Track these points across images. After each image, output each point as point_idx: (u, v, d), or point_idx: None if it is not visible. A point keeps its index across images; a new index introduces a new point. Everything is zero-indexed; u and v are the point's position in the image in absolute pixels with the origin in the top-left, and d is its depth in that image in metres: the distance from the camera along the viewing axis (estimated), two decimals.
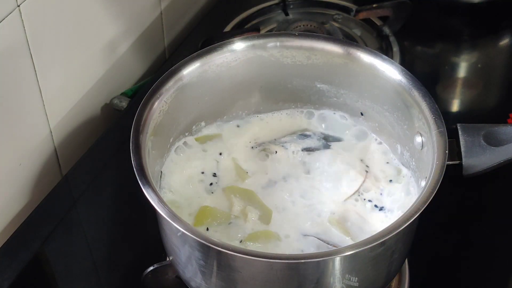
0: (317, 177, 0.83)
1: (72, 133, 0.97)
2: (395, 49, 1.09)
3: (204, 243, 0.68)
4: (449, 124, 0.76)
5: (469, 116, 1.06)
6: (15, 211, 0.91)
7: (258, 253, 0.69)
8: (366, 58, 0.82)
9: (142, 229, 0.89)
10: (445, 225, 0.90)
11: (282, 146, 0.86)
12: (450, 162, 0.73)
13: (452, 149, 0.75)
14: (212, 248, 0.67)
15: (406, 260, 0.84)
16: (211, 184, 0.83)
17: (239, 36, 0.88)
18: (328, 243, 0.77)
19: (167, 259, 0.80)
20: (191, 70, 0.82)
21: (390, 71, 0.81)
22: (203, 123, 0.87)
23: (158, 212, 0.69)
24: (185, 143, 0.86)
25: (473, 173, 0.75)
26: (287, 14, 1.16)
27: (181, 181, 0.83)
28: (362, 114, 0.87)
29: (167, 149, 0.84)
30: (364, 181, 0.82)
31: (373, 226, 0.78)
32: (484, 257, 0.88)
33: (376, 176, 0.83)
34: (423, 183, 0.76)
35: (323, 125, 0.88)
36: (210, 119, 0.88)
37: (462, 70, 1.15)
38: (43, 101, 0.90)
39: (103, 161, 0.97)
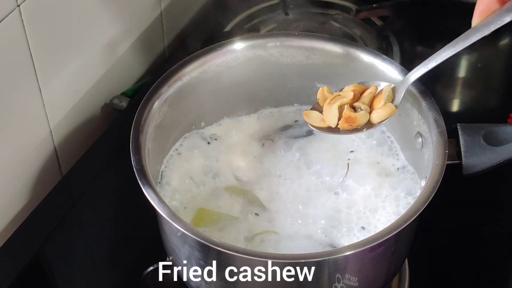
0: (317, 174, 0.83)
1: (72, 133, 0.97)
2: (395, 49, 1.09)
3: (204, 243, 0.68)
4: (449, 124, 0.76)
5: (469, 116, 1.06)
6: (15, 211, 0.91)
7: (258, 253, 0.70)
8: (366, 58, 0.82)
9: (142, 229, 0.89)
10: (445, 224, 0.90)
11: (283, 143, 0.86)
12: (450, 162, 0.73)
13: (452, 148, 0.75)
14: (212, 248, 0.68)
15: (406, 260, 0.84)
16: (210, 184, 0.83)
17: (239, 36, 0.88)
18: (328, 241, 0.77)
19: (167, 259, 0.80)
20: (191, 70, 0.82)
21: (390, 71, 0.81)
22: (203, 123, 0.88)
23: (158, 212, 0.69)
24: (185, 143, 0.86)
25: (473, 172, 0.75)
26: (287, 14, 1.16)
27: (181, 181, 0.83)
28: None
29: (167, 149, 0.84)
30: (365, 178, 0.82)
31: (368, 222, 0.79)
32: (484, 257, 0.88)
33: (375, 171, 0.83)
34: (423, 183, 0.76)
35: None
36: (210, 119, 0.88)
37: (462, 70, 1.15)
38: (43, 101, 0.90)
39: (103, 161, 0.97)
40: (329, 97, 0.78)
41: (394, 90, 0.77)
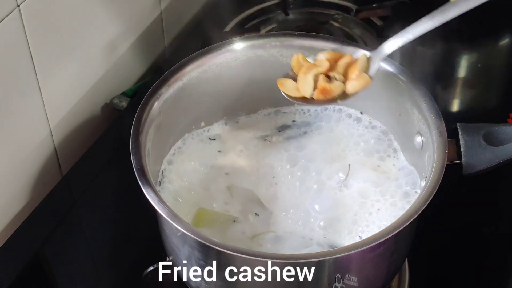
0: (316, 174, 0.83)
1: (72, 133, 0.97)
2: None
3: (204, 243, 0.68)
4: (449, 124, 0.76)
5: (469, 116, 1.06)
6: (15, 211, 0.91)
7: (258, 253, 0.70)
8: None
9: (142, 229, 0.89)
10: (445, 225, 0.90)
11: (282, 143, 0.86)
12: (450, 162, 0.73)
13: (452, 148, 0.75)
14: (212, 248, 0.68)
15: (406, 260, 0.84)
16: (210, 184, 0.83)
17: (239, 36, 0.88)
18: (328, 241, 0.77)
19: (167, 259, 0.80)
20: (191, 70, 0.82)
21: (390, 71, 0.81)
22: (203, 123, 0.88)
23: (158, 212, 0.69)
24: (184, 143, 0.86)
25: (473, 172, 0.75)
26: (287, 14, 1.16)
27: (181, 181, 0.83)
28: (361, 113, 0.87)
29: (167, 148, 0.84)
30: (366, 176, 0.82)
31: (366, 222, 0.79)
32: (484, 257, 0.88)
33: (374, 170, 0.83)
34: (423, 183, 0.76)
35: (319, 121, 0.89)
36: (210, 119, 0.88)
37: (462, 70, 1.15)
38: (43, 101, 0.90)
39: (103, 161, 0.97)
40: (304, 65, 0.77)
41: (369, 60, 0.77)
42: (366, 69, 0.76)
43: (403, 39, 0.74)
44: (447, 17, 0.70)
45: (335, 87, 0.75)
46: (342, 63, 0.76)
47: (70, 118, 0.96)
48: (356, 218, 0.79)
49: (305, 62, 0.77)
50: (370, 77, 0.76)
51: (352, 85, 0.75)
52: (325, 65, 0.76)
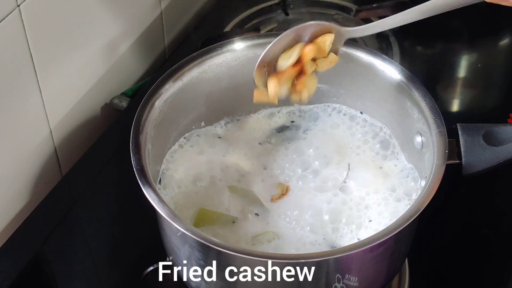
0: (316, 174, 0.83)
1: (72, 133, 0.97)
2: (395, 49, 1.09)
3: (204, 243, 0.68)
4: (449, 124, 0.76)
5: (469, 116, 1.06)
6: (15, 211, 0.91)
7: (258, 253, 0.70)
8: (366, 58, 0.83)
9: (142, 229, 0.89)
10: (445, 225, 0.90)
11: (282, 144, 0.86)
12: (450, 162, 0.73)
13: (452, 148, 0.75)
14: (212, 248, 0.68)
15: (406, 260, 0.84)
16: (210, 184, 0.83)
17: (239, 36, 0.88)
18: (328, 242, 0.77)
19: (167, 259, 0.80)
20: (191, 70, 0.82)
21: (390, 71, 0.81)
22: (202, 123, 0.88)
23: (158, 212, 0.69)
24: (184, 142, 0.86)
25: (473, 172, 0.75)
26: (287, 14, 1.17)
27: (181, 181, 0.83)
28: (361, 113, 0.88)
29: (167, 149, 0.84)
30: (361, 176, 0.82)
31: (367, 221, 0.79)
32: (484, 257, 0.88)
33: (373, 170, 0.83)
34: (423, 183, 0.77)
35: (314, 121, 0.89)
36: (210, 119, 0.88)
37: (462, 70, 1.15)
38: (43, 101, 0.90)
39: (103, 161, 0.97)
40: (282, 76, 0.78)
41: (336, 37, 0.78)
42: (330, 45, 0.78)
43: (373, 31, 0.77)
44: (419, 16, 0.71)
45: (313, 87, 0.79)
46: (308, 58, 0.78)
47: (70, 118, 0.97)
48: (356, 218, 0.79)
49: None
50: (337, 55, 0.78)
51: (320, 66, 0.78)
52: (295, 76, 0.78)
